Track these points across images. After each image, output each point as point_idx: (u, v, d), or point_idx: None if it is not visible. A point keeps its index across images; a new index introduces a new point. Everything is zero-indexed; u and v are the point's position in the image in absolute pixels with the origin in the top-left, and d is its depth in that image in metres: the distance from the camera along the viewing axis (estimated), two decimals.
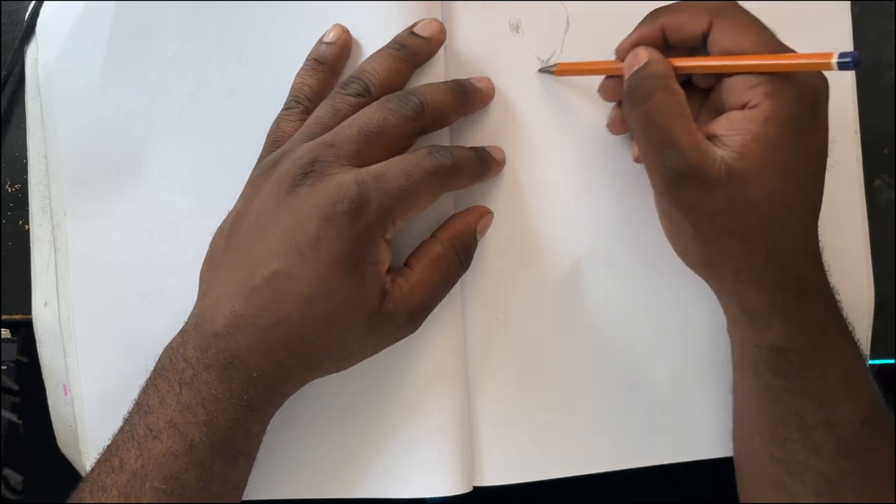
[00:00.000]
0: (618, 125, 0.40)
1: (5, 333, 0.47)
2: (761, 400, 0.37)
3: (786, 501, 0.36)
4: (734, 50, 0.34)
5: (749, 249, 0.34)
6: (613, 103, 0.40)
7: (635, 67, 0.35)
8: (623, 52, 0.37)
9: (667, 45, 0.36)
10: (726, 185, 0.33)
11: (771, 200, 0.33)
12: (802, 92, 0.33)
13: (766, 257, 0.34)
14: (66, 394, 0.43)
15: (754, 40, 0.34)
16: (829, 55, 0.32)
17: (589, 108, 0.41)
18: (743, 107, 0.34)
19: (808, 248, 0.36)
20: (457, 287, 0.40)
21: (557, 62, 0.41)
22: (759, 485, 0.38)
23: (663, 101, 0.34)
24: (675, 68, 0.35)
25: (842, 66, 0.32)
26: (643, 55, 0.35)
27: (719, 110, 0.35)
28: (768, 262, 0.34)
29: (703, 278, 0.38)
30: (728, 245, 0.35)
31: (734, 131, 0.33)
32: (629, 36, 0.37)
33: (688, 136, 0.33)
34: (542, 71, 0.41)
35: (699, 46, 0.36)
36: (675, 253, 0.40)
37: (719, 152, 0.33)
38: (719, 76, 0.35)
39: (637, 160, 0.40)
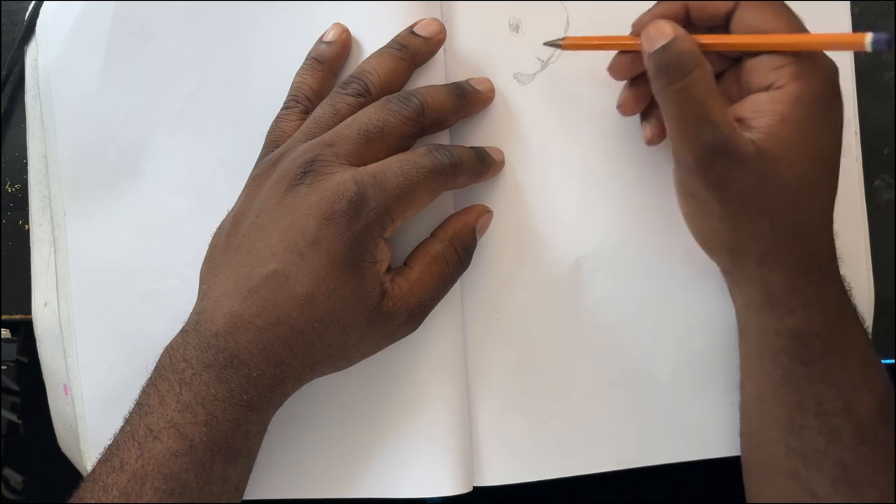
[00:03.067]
0: (630, 105, 0.39)
1: (5, 333, 0.47)
2: (777, 389, 0.37)
3: (801, 491, 0.36)
4: (761, 29, 0.34)
5: (776, 231, 0.34)
6: (622, 85, 0.40)
7: (660, 42, 0.34)
8: (641, 26, 0.36)
9: (688, 23, 0.36)
10: (758, 163, 0.33)
11: (799, 180, 0.34)
12: (827, 73, 0.34)
13: (793, 239, 0.35)
14: (66, 394, 0.43)
15: (781, 20, 0.34)
16: (863, 36, 0.32)
17: (589, 109, 0.41)
18: (767, 88, 0.34)
19: (828, 233, 0.36)
20: (457, 287, 0.40)
21: (566, 35, 0.40)
22: (772, 478, 0.38)
23: (700, 77, 0.33)
24: (704, 45, 0.34)
25: (875, 47, 0.32)
26: (668, 29, 0.34)
27: (731, 95, 0.35)
28: (794, 244, 0.35)
29: (724, 265, 0.38)
30: (757, 226, 0.35)
31: (760, 113, 0.33)
32: (649, 10, 0.37)
33: (722, 113, 0.33)
34: (550, 44, 0.40)
35: (719, 26, 0.36)
36: (675, 253, 0.40)
37: (747, 135, 0.33)
38: (735, 59, 0.35)
39: (650, 142, 0.40)
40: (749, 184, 0.34)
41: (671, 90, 0.34)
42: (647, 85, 0.36)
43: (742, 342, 0.39)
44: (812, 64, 0.33)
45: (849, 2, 0.43)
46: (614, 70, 0.39)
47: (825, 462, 0.36)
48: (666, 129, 0.36)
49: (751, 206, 0.34)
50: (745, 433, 0.40)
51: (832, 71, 0.34)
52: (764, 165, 0.33)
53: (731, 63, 0.37)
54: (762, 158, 0.33)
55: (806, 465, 0.36)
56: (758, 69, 0.34)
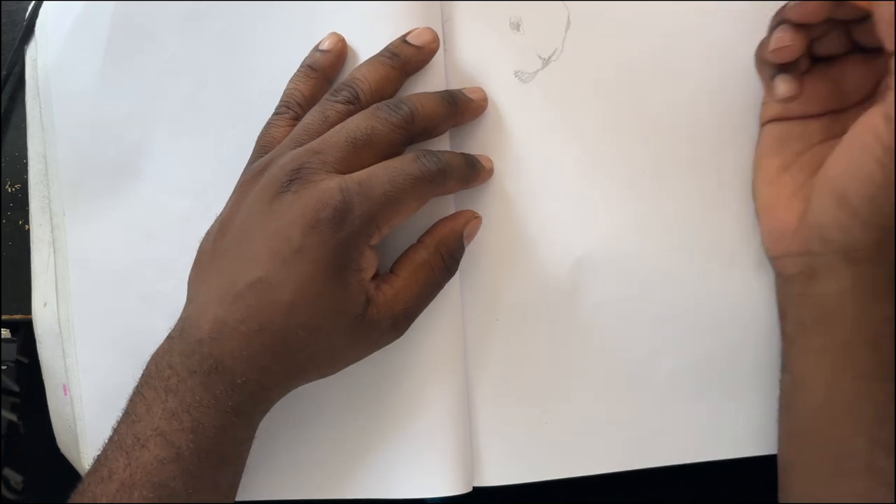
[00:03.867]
0: (793, 51, 0.36)
1: (5, 333, 0.47)
2: (865, 379, 0.36)
3: (877, 487, 0.35)
4: None
5: None
6: (771, 32, 0.37)
7: None
8: None
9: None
10: None
11: None
12: None
13: None
14: (65, 394, 0.43)
15: None
16: None
17: (590, 107, 0.41)
18: None
19: None
20: (456, 287, 0.40)
21: None
22: (838, 476, 0.36)
23: None
24: None
25: None
26: None
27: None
28: None
29: (863, 241, 0.35)
30: None
31: None
32: None
33: None
34: None
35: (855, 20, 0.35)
36: (676, 252, 0.39)
37: None
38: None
39: (786, 98, 0.37)
40: None
41: None
42: (810, 34, 0.35)
43: (819, 332, 0.37)
44: None
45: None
46: (806, 9, 0.35)
47: None
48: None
49: None
50: (797, 433, 0.38)
51: None
52: None
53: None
54: None
55: (889, 458, 0.35)
56: None
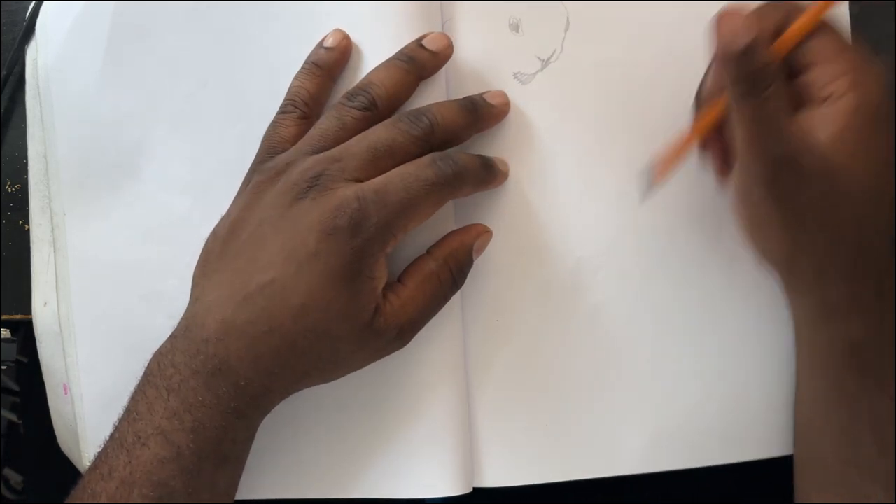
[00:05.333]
0: (724, 170, 0.39)
1: (5, 333, 0.47)
2: (830, 401, 0.36)
3: (855, 497, 0.36)
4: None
5: (836, 244, 0.34)
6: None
7: (741, 41, 0.33)
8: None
9: None
10: (821, 176, 0.33)
11: (861, 192, 0.33)
12: (881, 80, 0.34)
13: (853, 252, 0.34)
14: (66, 393, 0.43)
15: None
16: None
17: (590, 108, 0.41)
18: (826, 100, 0.34)
19: (889, 241, 0.35)
20: None
21: (654, 166, 0.38)
22: (825, 485, 0.37)
23: (778, 91, 0.33)
24: (783, 49, 0.34)
25: None
26: (746, 30, 0.33)
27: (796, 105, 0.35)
28: (854, 256, 0.34)
29: (780, 275, 0.37)
30: (816, 239, 0.34)
31: (822, 125, 0.33)
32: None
33: (792, 125, 0.33)
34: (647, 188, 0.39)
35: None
36: (676, 252, 0.40)
37: (811, 148, 0.33)
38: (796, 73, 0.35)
39: (721, 172, 0.39)
40: (813, 197, 0.33)
41: (749, 102, 0.33)
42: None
43: (796, 352, 0.39)
44: (868, 73, 0.33)
45: (848, 2, 0.43)
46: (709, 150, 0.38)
47: (879, 472, 0.35)
48: (737, 135, 0.35)
49: (813, 218, 0.34)
50: (800, 439, 0.39)
51: (887, 78, 0.34)
52: (827, 178, 0.33)
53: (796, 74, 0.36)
54: (826, 170, 0.33)
55: (860, 475, 0.35)
56: (815, 82, 0.34)
